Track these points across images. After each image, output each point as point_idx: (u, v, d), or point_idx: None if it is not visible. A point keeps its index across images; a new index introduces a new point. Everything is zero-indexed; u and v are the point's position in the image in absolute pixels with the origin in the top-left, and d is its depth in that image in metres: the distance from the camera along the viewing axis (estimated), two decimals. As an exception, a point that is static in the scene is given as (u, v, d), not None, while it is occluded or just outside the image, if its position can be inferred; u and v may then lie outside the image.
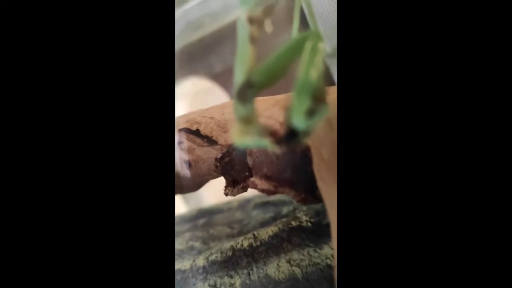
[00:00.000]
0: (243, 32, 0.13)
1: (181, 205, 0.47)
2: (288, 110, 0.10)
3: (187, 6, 0.52)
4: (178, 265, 0.22)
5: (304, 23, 0.14)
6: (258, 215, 0.32)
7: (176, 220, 0.36)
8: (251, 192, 0.43)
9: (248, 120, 0.12)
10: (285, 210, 0.30)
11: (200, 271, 0.22)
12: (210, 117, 0.20)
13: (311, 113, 0.10)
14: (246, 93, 0.12)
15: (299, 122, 0.10)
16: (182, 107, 0.57)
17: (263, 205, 0.34)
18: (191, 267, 0.22)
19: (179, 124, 0.22)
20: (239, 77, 0.12)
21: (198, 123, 0.20)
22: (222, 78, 0.58)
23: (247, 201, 0.36)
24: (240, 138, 0.11)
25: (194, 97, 0.60)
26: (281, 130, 0.11)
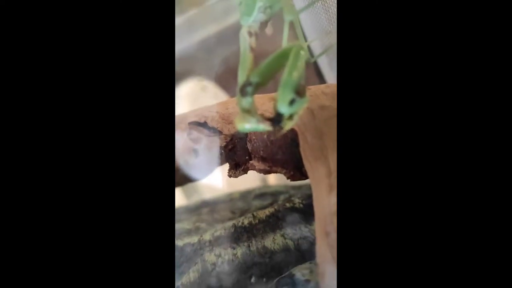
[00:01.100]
0: (244, 43, 0.17)
1: (183, 199, 0.52)
2: (275, 100, 0.15)
3: (190, 11, 0.56)
4: (188, 239, 0.27)
5: (293, 33, 0.19)
6: (257, 203, 0.36)
7: (181, 210, 0.41)
8: (251, 184, 0.47)
9: (248, 111, 0.16)
10: (281, 198, 0.34)
11: (207, 244, 0.26)
12: (216, 112, 0.25)
13: (292, 103, 0.15)
14: (247, 90, 0.16)
15: (283, 109, 0.15)
16: (184, 107, 0.62)
17: (262, 195, 0.38)
18: (199, 241, 0.27)
19: (188, 118, 0.26)
20: (241, 77, 0.17)
21: (206, 116, 0.25)
22: (222, 79, 0.62)
23: (248, 192, 0.41)
24: (242, 124, 0.16)
25: (195, 98, 0.64)
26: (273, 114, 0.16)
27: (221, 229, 0.27)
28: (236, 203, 0.39)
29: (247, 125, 0.16)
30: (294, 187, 0.37)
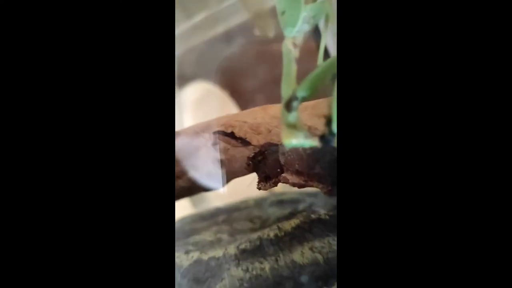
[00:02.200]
0: (289, 55, 0.17)
1: (190, 208, 0.51)
2: (327, 119, 0.15)
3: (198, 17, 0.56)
4: (212, 253, 0.26)
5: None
6: (275, 212, 0.36)
7: (194, 218, 0.40)
8: (266, 191, 0.47)
9: (294, 126, 0.16)
10: (301, 206, 0.34)
11: (233, 258, 0.26)
12: (244, 121, 0.24)
13: None
14: (293, 105, 0.16)
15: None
16: (188, 111, 0.61)
17: (279, 202, 0.38)
18: (224, 255, 0.26)
19: (213, 127, 0.26)
20: (286, 92, 0.16)
21: (233, 126, 0.24)
22: (227, 82, 0.62)
23: (263, 199, 0.40)
24: (289, 140, 0.15)
25: (199, 101, 0.63)
26: (323, 132, 0.15)
27: (246, 242, 0.27)
28: (252, 211, 0.38)
29: (294, 141, 0.16)
30: (309, 194, 0.37)
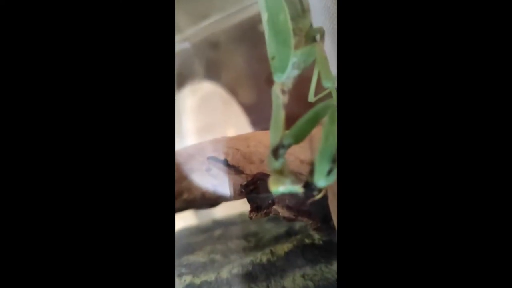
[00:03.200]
0: (277, 101, 0.17)
1: (193, 218, 0.52)
2: (312, 172, 0.15)
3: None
4: (205, 277, 0.27)
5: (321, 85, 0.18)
6: (271, 228, 0.36)
7: (192, 231, 0.41)
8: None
9: (281, 172, 0.16)
10: (297, 225, 0.34)
11: (224, 282, 0.26)
12: (236, 149, 0.25)
13: (329, 173, 0.15)
14: (280, 152, 0.16)
15: (321, 182, 0.15)
16: (189, 113, 0.61)
17: (276, 218, 0.38)
18: (216, 279, 0.27)
19: (207, 151, 0.26)
20: (274, 139, 0.16)
21: (226, 153, 0.25)
22: (229, 83, 0.62)
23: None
24: (276, 187, 0.16)
25: (201, 102, 0.63)
26: (307, 179, 0.16)
27: (239, 266, 0.27)
28: (248, 226, 0.39)
29: (281, 188, 0.16)
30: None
